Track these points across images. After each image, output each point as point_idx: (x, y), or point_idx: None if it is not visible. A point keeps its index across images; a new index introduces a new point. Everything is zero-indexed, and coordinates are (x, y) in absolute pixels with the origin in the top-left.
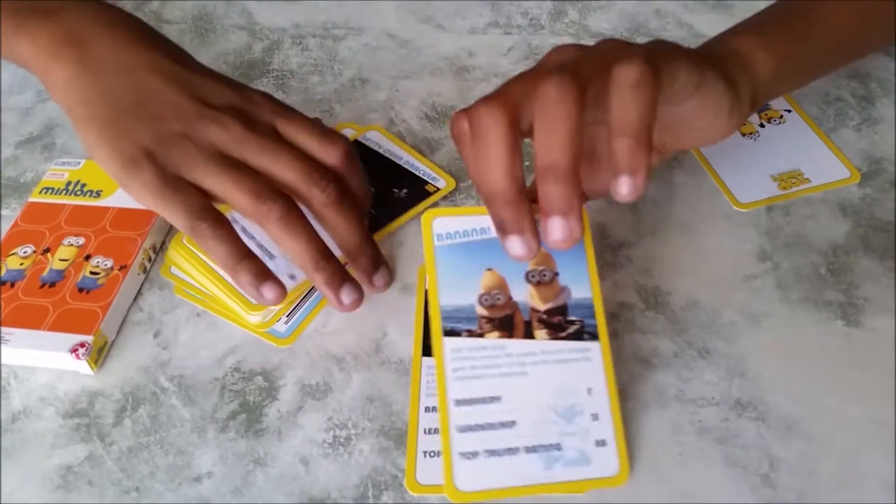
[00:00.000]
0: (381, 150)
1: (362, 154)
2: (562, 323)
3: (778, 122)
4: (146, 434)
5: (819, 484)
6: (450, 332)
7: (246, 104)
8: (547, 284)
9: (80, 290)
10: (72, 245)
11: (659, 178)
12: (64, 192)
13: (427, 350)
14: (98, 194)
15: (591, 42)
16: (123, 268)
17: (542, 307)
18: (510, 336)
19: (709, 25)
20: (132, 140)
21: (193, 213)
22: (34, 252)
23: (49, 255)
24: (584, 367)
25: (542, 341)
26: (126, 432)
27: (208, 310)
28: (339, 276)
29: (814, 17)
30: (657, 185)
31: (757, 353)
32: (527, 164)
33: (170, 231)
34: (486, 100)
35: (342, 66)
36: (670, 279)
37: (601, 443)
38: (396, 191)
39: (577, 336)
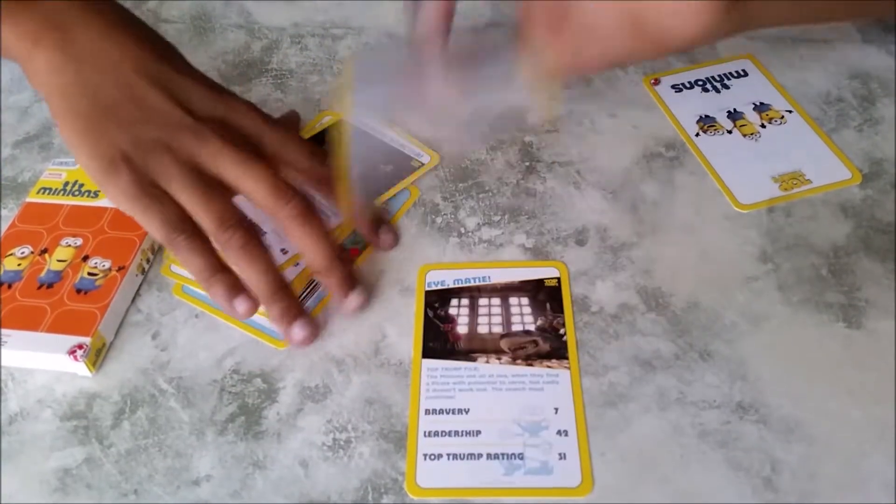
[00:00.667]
0: (366, 128)
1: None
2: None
3: (779, 122)
4: (144, 436)
5: (821, 487)
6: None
7: (229, 114)
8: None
9: (79, 291)
10: (70, 246)
11: (660, 178)
12: (61, 192)
13: (427, 352)
14: (95, 195)
15: None
16: (122, 269)
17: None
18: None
19: None
20: (111, 142)
21: (170, 225)
22: (32, 253)
23: (47, 255)
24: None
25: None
26: (124, 434)
27: (206, 310)
28: (291, 311)
29: None
30: (658, 186)
31: (758, 355)
32: None
33: None
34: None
35: (341, 66)
36: (671, 281)
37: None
38: (383, 166)
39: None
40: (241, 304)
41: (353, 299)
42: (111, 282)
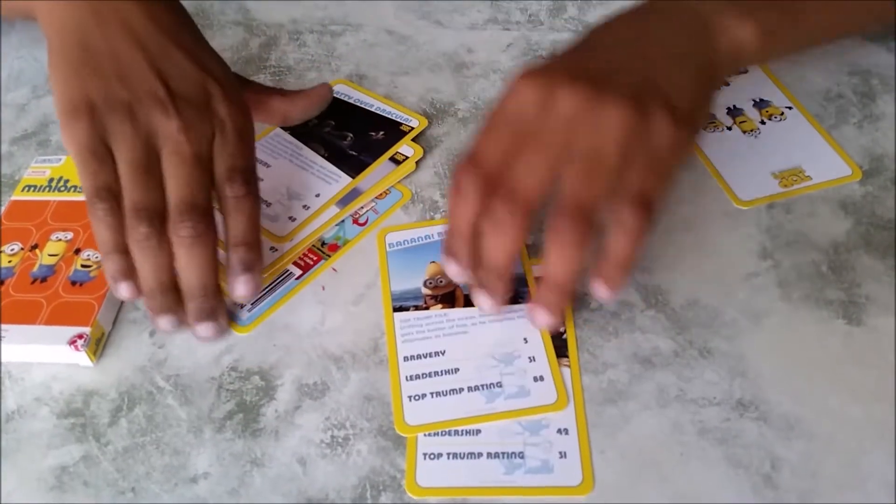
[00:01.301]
0: (351, 101)
1: (334, 106)
2: None
3: (779, 119)
4: (142, 434)
5: (821, 484)
6: (399, 309)
7: (207, 100)
8: None
9: (73, 283)
10: (60, 240)
11: None
12: (47, 188)
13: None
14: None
15: None
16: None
17: None
18: (452, 307)
19: None
20: (82, 88)
21: (97, 189)
22: (22, 249)
23: (38, 251)
24: (519, 322)
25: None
26: (122, 432)
27: None
28: (155, 310)
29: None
30: None
31: (758, 352)
32: None
33: None
34: (506, 197)
35: (339, 62)
36: (671, 278)
37: (539, 378)
38: (374, 133)
39: (512, 301)
40: (124, 289)
41: (205, 328)
42: None
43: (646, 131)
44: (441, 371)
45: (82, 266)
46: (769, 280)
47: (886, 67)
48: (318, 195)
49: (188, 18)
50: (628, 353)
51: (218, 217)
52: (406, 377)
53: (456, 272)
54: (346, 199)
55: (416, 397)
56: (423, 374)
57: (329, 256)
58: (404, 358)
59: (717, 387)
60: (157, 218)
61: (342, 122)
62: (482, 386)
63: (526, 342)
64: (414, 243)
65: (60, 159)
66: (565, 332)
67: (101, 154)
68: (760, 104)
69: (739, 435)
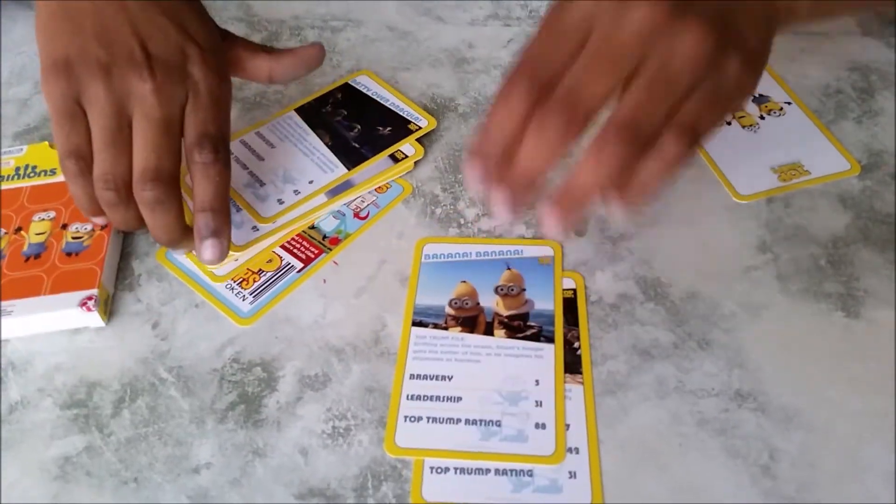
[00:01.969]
0: (369, 93)
1: (351, 96)
2: (521, 326)
3: (778, 114)
4: (144, 425)
5: (819, 475)
6: (418, 324)
7: (180, 60)
8: (513, 296)
9: (68, 254)
10: (43, 220)
11: None
12: (15, 177)
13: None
14: (53, 172)
15: None
16: (105, 227)
17: (505, 313)
18: (471, 332)
19: None
20: (63, 47)
21: (69, 151)
22: (6, 233)
23: (23, 233)
24: (536, 363)
25: (499, 338)
26: (124, 423)
27: (182, 279)
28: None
29: None
30: None
31: (757, 344)
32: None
33: None
34: (565, 103)
35: (341, 58)
36: (670, 271)
37: (541, 426)
38: (381, 128)
39: (533, 338)
40: (100, 220)
41: (207, 248)
42: (99, 240)
43: (719, 64)
44: (443, 397)
45: (73, 238)
46: (768, 273)
47: (886, 63)
48: (311, 182)
49: None
50: (628, 345)
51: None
52: (407, 395)
53: (477, 177)
54: (337, 190)
55: (412, 419)
56: (424, 396)
57: (330, 250)
58: (410, 375)
59: (716, 378)
60: (124, 185)
61: (354, 113)
62: (480, 421)
63: (537, 384)
64: (450, 258)
65: (22, 149)
66: (580, 347)
67: (74, 115)
68: (760, 99)
69: (738, 426)
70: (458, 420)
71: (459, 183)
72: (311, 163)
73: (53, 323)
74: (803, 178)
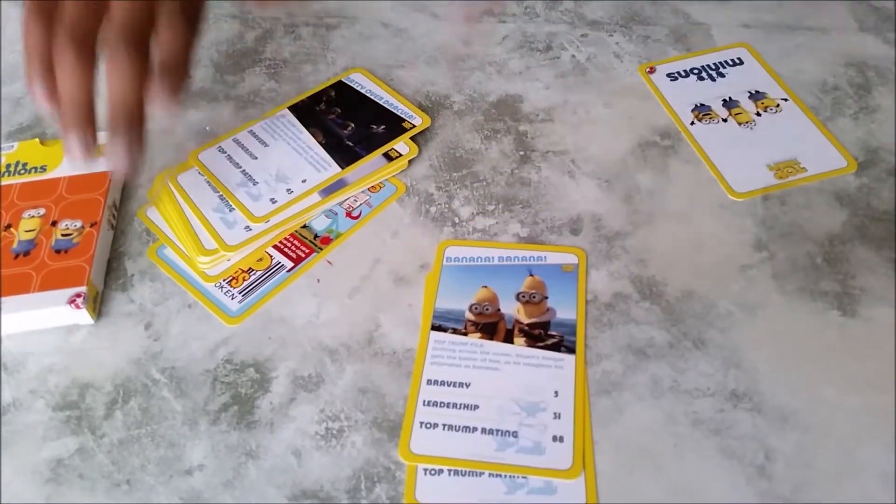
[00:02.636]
0: (363, 91)
1: (345, 94)
2: (542, 335)
3: (774, 111)
4: (137, 426)
5: (816, 475)
6: (437, 328)
7: None
8: (535, 304)
9: (58, 251)
10: (33, 217)
11: (654, 167)
12: (6, 174)
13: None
14: (43, 169)
15: (585, 30)
16: (94, 224)
17: (526, 321)
18: (491, 339)
19: (705, 13)
20: None
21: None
22: None
23: (13, 230)
24: (556, 373)
25: (519, 346)
26: (117, 425)
27: (175, 279)
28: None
29: None
30: (653, 174)
31: (752, 343)
32: None
33: (124, 189)
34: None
35: (335, 55)
36: (666, 269)
37: (558, 438)
38: (375, 126)
39: (554, 348)
40: (36, 88)
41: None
42: (88, 237)
43: None
44: (460, 404)
45: (63, 235)
46: (764, 272)
47: (883, 59)
48: (304, 181)
49: None
50: (623, 345)
51: None
52: (424, 401)
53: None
54: (330, 189)
55: (428, 425)
56: (441, 403)
57: (321, 249)
58: (427, 381)
59: (712, 378)
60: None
61: (348, 111)
62: (497, 431)
63: (556, 395)
64: (472, 262)
65: (13, 146)
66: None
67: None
68: (756, 96)
69: (733, 426)
70: (475, 429)
71: (455, 181)
72: (304, 161)
73: (42, 321)
74: (799, 175)
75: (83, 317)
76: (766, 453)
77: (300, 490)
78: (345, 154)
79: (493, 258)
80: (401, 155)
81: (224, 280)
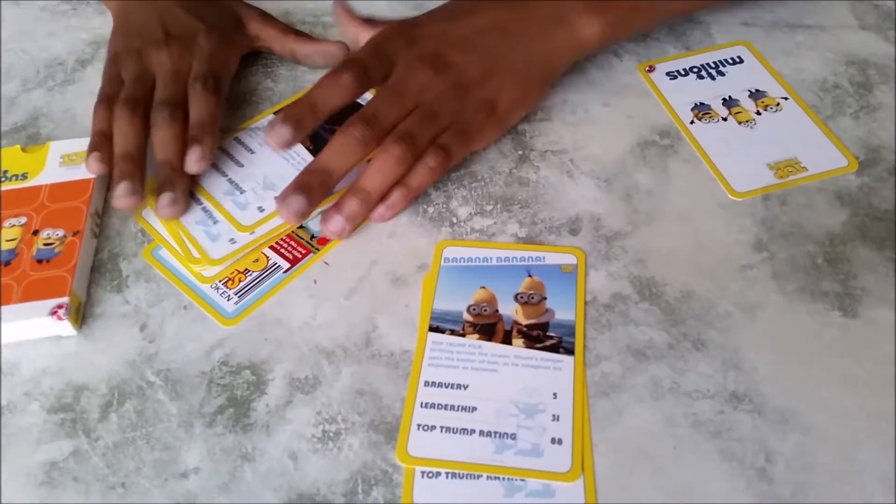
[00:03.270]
0: None
1: None
2: (540, 336)
3: (774, 109)
4: (132, 429)
5: (816, 478)
6: (435, 329)
7: (191, 36)
8: (533, 305)
9: (39, 261)
10: (14, 225)
11: (654, 166)
12: None
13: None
14: (25, 176)
15: None
16: (77, 233)
17: (525, 322)
18: (489, 340)
19: (704, 12)
20: (116, 45)
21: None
22: None
23: None
24: (554, 374)
25: (517, 348)
26: (112, 427)
27: (170, 280)
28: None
29: None
30: (652, 174)
31: (753, 344)
32: None
33: (107, 196)
34: (365, 121)
35: None
36: (665, 270)
37: (557, 441)
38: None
39: (553, 349)
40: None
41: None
42: (71, 246)
43: (468, 116)
44: (458, 406)
45: (45, 245)
46: (764, 272)
47: (884, 57)
48: None
49: None
50: (622, 346)
51: None
52: (421, 403)
53: (285, 140)
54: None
55: (426, 427)
56: (438, 405)
57: (318, 250)
58: (425, 382)
59: (711, 379)
60: (143, 106)
61: (336, 116)
62: (495, 433)
63: (555, 397)
64: (470, 263)
65: None
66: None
67: (114, 78)
68: (756, 95)
69: (733, 428)
70: (473, 431)
71: (452, 181)
72: (292, 168)
73: (25, 332)
74: (800, 174)
75: (65, 328)
76: (766, 455)
77: (296, 493)
78: None
79: (491, 259)
80: None
81: (220, 281)
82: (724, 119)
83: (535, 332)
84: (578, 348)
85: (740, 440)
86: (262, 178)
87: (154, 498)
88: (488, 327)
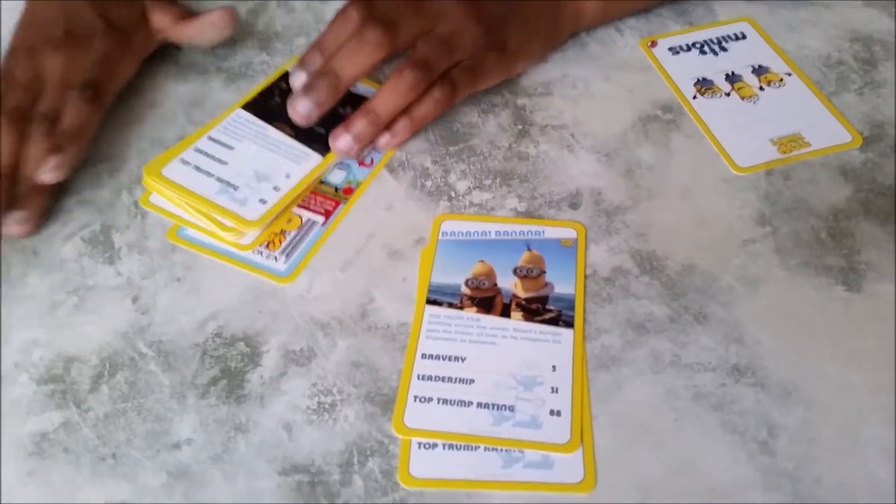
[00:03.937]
0: None
1: None
2: (539, 310)
3: (778, 85)
4: (123, 400)
5: (819, 451)
6: (432, 302)
7: (89, 37)
8: (532, 279)
9: None
10: None
11: (656, 141)
12: None
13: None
14: None
15: None
16: None
17: (524, 295)
18: (487, 313)
19: None
20: (17, 40)
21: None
22: None
23: None
24: (554, 348)
25: (516, 321)
26: (103, 398)
27: (206, 254)
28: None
29: None
30: (654, 149)
31: (755, 318)
32: None
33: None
34: (384, 28)
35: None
36: (666, 244)
37: (556, 412)
38: (341, 109)
39: (552, 322)
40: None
41: (12, 222)
42: None
43: (480, 54)
44: (455, 378)
45: None
46: (767, 247)
47: (888, 33)
48: (287, 176)
49: None
50: (622, 319)
51: None
52: (418, 375)
53: (300, 80)
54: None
55: (422, 399)
56: (436, 377)
57: (346, 200)
58: (422, 355)
59: (713, 352)
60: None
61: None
62: (493, 405)
63: (554, 370)
64: (468, 237)
65: None
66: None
67: (9, 78)
68: (759, 70)
69: (736, 401)
70: (470, 403)
71: (451, 155)
72: (280, 157)
73: None
74: (803, 149)
75: None
76: (768, 429)
77: (291, 464)
78: (320, 141)
79: (490, 232)
80: None
81: (261, 245)
82: (727, 94)
83: (534, 306)
84: (578, 322)
85: (742, 413)
86: (252, 172)
87: (145, 469)
88: (486, 301)
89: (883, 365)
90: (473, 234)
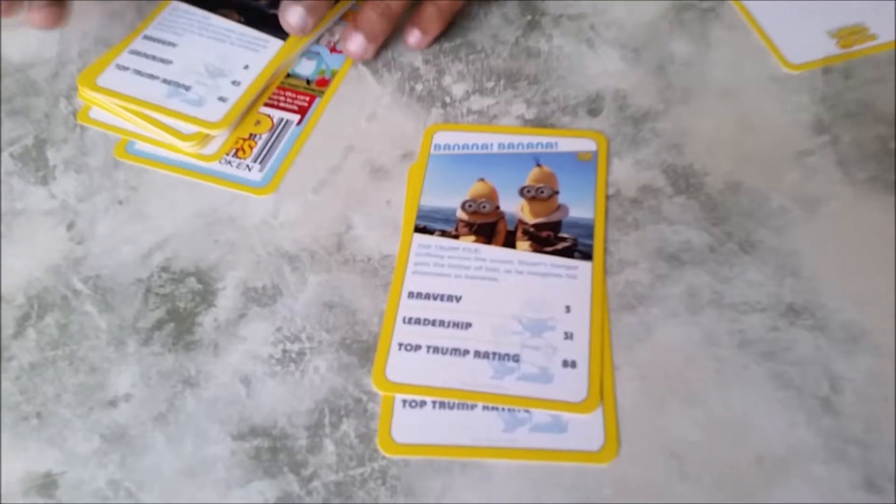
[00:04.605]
0: None
1: None
2: (550, 238)
3: None
4: (53, 347)
5: (892, 409)
6: (422, 230)
7: None
8: (542, 200)
9: None
10: None
11: (692, 34)
12: None
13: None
14: None
15: None
16: None
17: (532, 220)
18: (488, 242)
19: None
20: None
21: None
22: None
23: None
24: (568, 283)
25: (523, 252)
26: (28, 345)
27: (168, 170)
28: None
29: None
30: (690, 42)
31: (814, 246)
32: None
33: None
34: None
35: None
36: (706, 157)
37: (570, 363)
38: None
39: (566, 253)
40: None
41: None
42: None
43: None
44: (448, 322)
45: None
46: (826, 159)
47: None
48: (246, 67)
49: None
50: (651, 249)
51: None
52: (404, 318)
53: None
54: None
55: (409, 347)
56: (424, 320)
57: (322, 92)
58: (409, 294)
59: (763, 289)
60: None
61: None
62: (494, 355)
63: (568, 311)
64: (466, 150)
65: None
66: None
67: None
68: None
69: (790, 348)
70: (466, 352)
71: (445, 53)
72: (232, 47)
73: None
74: (868, 43)
75: None
76: (830, 382)
77: (248, 427)
78: (276, 24)
79: (491, 145)
80: None
81: (228, 155)
82: None
83: (544, 233)
84: (598, 252)
85: (799, 363)
86: (203, 68)
87: (75, 430)
88: (487, 227)
89: None
90: (472, 147)
